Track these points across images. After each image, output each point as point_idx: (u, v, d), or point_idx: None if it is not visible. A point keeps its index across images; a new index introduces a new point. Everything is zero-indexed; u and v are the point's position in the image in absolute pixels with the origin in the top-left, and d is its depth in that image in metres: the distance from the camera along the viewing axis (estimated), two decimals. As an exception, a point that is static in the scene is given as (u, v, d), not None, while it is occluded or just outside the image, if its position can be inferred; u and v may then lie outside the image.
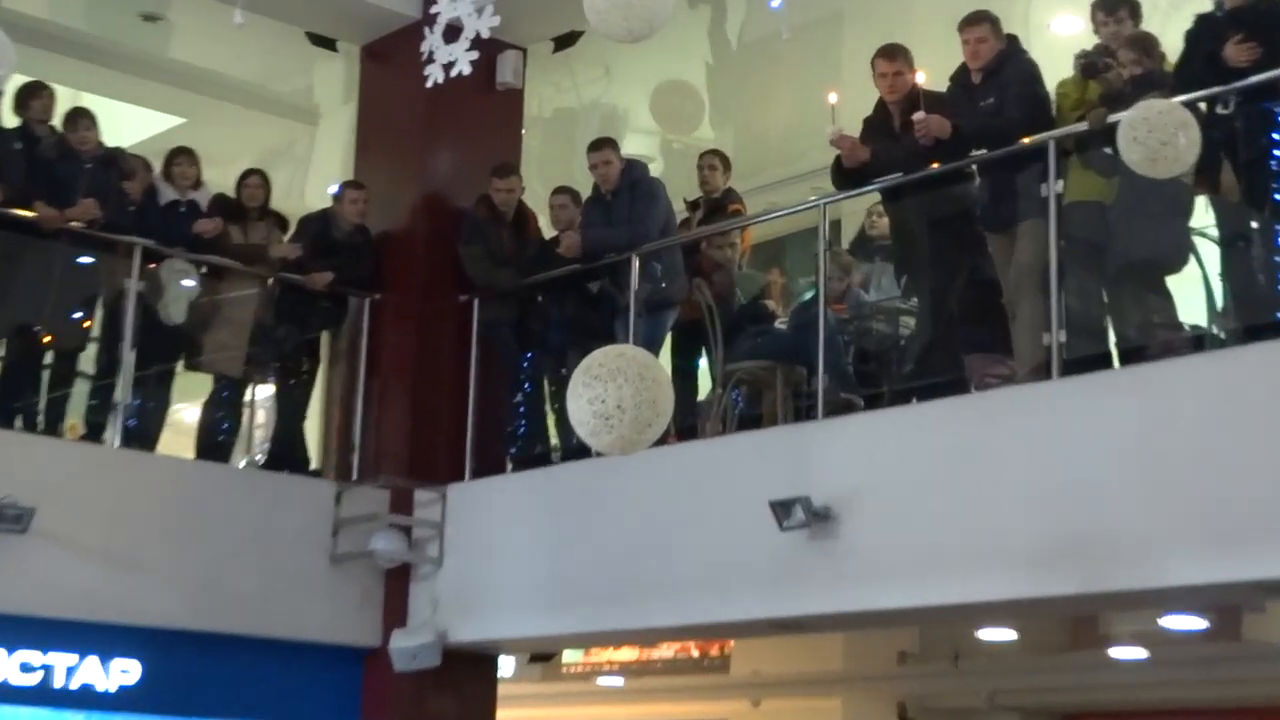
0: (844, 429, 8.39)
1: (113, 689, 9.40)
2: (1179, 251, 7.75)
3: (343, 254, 10.62)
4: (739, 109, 13.36)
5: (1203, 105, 7.33)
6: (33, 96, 9.90)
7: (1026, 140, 8.03)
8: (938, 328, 8.54)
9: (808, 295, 9.75)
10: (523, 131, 11.45)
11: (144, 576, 9.39)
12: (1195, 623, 11.35)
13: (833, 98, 8.57)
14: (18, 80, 9.82)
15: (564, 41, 11.46)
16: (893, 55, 8.65)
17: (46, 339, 9.87)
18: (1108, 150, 7.45)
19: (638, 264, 9.68)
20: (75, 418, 9.96)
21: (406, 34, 10.45)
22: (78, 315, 10.00)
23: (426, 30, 7.74)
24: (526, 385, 10.52)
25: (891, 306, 9.31)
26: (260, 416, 10.86)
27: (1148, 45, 7.86)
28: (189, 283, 10.26)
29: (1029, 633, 12.45)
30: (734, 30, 12.70)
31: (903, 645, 13.28)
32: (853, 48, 11.23)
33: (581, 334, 9.92)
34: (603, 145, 10.13)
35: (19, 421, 9.59)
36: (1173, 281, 7.73)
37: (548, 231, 10.73)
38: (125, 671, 9.45)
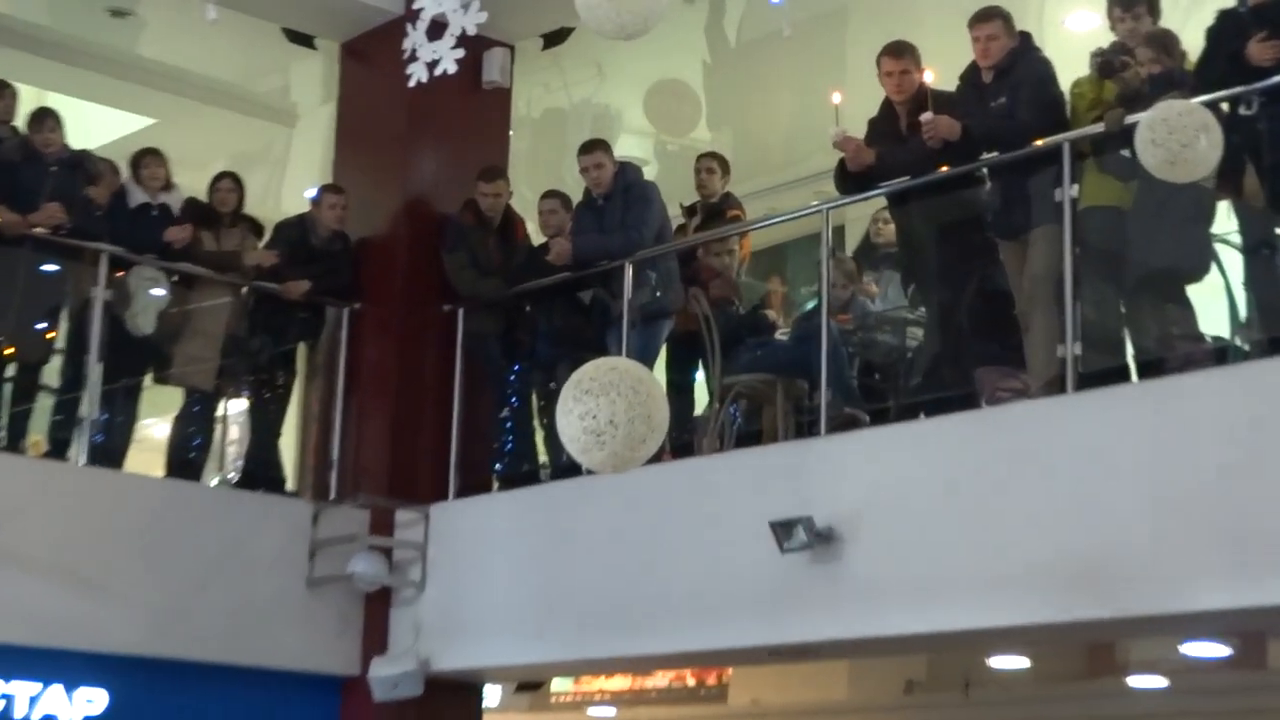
0: (848, 446, 8.39)
1: (77, 719, 9.37)
2: (1200, 259, 7.74)
3: (321, 262, 10.62)
4: (738, 109, 13.37)
5: (1225, 106, 7.34)
6: (-6, 96, 9.91)
7: (1040, 142, 8.03)
8: (947, 339, 8.54)
9: (810, 305, 9.75)
10: (510, 133, 11.45)
11: (111, 601, 9.36)
12: (1217, 650, 11.35)
13: (836, 98, 8.58)
14: (-22, 79, 9.83)
15: (554, 38, 11.47)
16: (899, 53, 8.65)
17: (8, 351, 9.85)
18: (1125, 153, 7.45)
19: (631, 272, 9.67)
20: (38, 434, 9.94)
21: (388, 31, 10.45)
22: (41, 326, 9.99)
23: (409, 27, 7.73)
24: (514, 400, 10.50)
25: (898, 317, 9.32)
26: (233, 433, 10.84)
27: (1167, 43, 7.87)
28: (159, 291, 10.25)
29: (1043, 660, 12.45)
30: (732, 27, 12.72)
31: (910, 674, 13.27)
32: (857, 45, 11.24)
33: (572, 346, 9.90)
34: (594, 147, 10.13)
35: (-21, 437, 9.58)
36: (1193, 291, 7.73)
37: (536, 238, 10.73)
38: (90, 701, 9.42)
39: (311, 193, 11.12)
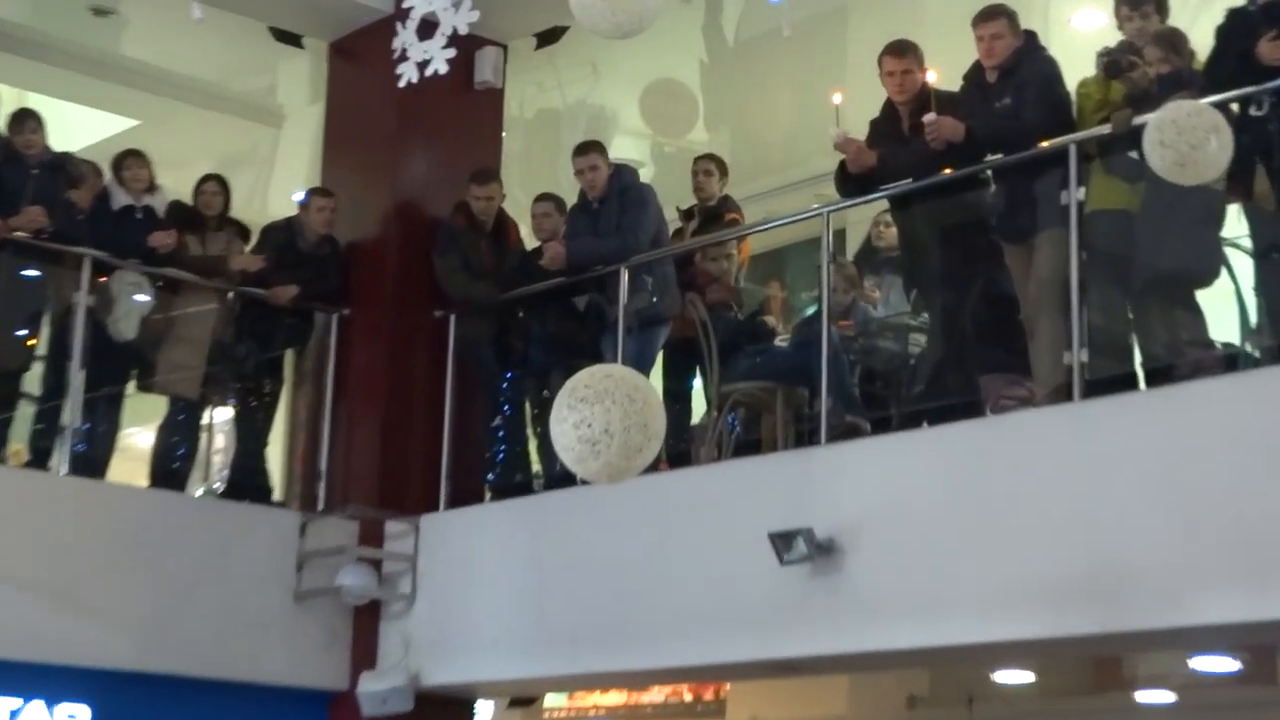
0: (849, 455, 8.39)
1: (59, 736, 9.39)
2: (1210, 264, 7.75)
3: (308, 266, 10.61)
4: (736, 110, 13.38)
5: (1235, 106, 7.35)
6: (-27, 97, 9.93)
7: (1045, 144, 8.04)
8: (950, 346, 8.54)
9: (810, 311, 9.75)
10: (503, 134, 11.46)
11: (93, 614, 9.36)
12: (1227, 664, 11.34)
13: (837, 98, 8.58)
14: (-43, 80, 9.84)
15: (547, 37, 11.47)
16: (901, 52, 8.66)
17: (-12, 358, 9.87)
18: (1133, 155, 7.46)
19: (627, 277, 9.68)
20: (19, 443, 9.93)
21: (377, 30, 10.46)
22: (22, 332, 9.98)
23: (399, 25, 7.73)
24: (506, 408, 10.51)
25: (900, 323, 9.32)
26: (219, 441, 10.83)
27: (1176, 42, 7.87)
28: (142, 297, 10.25)
29: (1048, 675, 12.44)
30: (731, 25, 12.73)
31: (912, 688, 13.25)
32: (858, 44, 11.26)
33: (566, 352, 9.90)
34: (589, 149, 10.14)
35: (-42, 447, 9.58)
36: (1203, 296, 7.73)
37: (529, 242, 10.73)
38: (73, 717, 9.41)
39: (299, 195, 11.12)
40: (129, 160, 10.38)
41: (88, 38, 12.54)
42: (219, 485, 10.64)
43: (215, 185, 10.64)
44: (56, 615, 9.23)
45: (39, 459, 9.76)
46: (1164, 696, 12.09)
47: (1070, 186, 7.85)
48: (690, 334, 9.76)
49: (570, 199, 10.36)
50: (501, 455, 10.47)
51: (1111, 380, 7.64)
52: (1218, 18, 7.76)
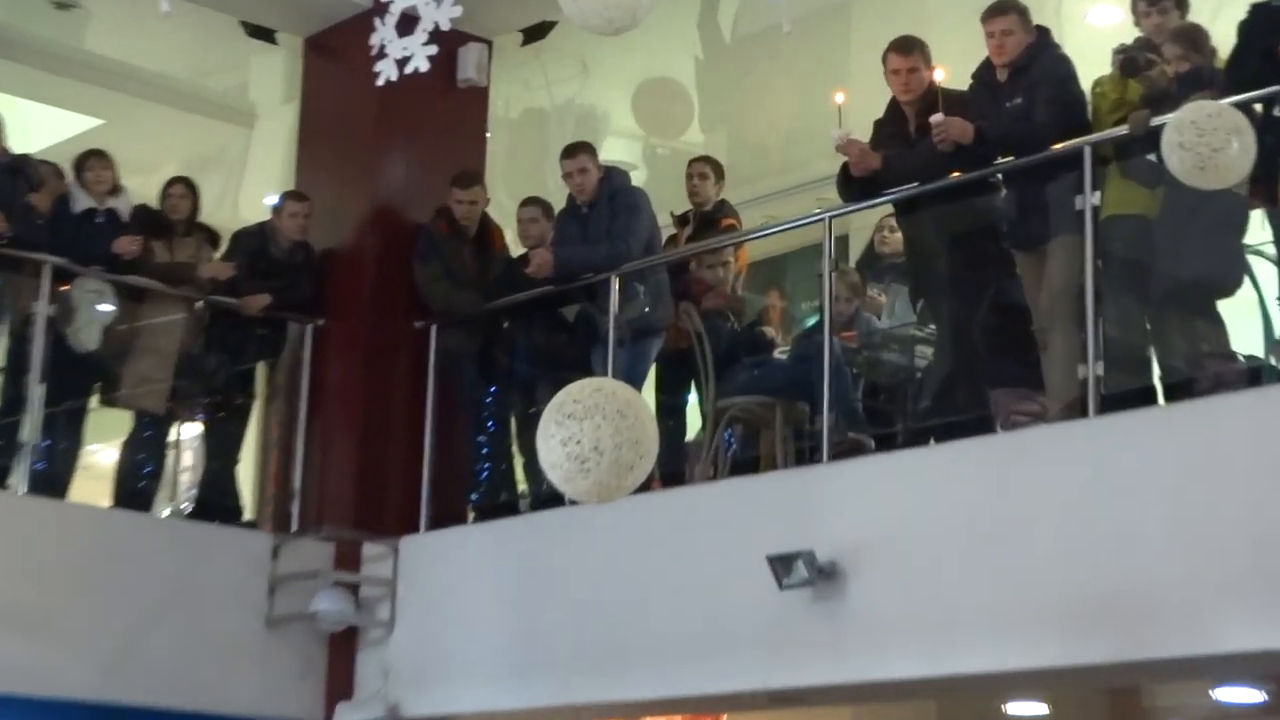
0: (852, 474, 8.39)
1: (16, 770, 9.37)
2: (1232, 272, 7.76)
3: (282, 274, 10.62)
4: (733, 110, 13.39)
5: (1258, 107, 7.36)
6: (-73, 95, 9.93)
7: (1059, 146, 8.05)
8: (959, 358, 8.55)
9: (811, 321, 9.75)
10: (487, 135, 11.47)
11: (54, 641, 9.34)
12: (1252, 695, 11.34)
13: (839, 97, 8.59)
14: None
15: (534, 33, 11.49)
16: (907, 49, 8.67)
17: (-58, 372, 9.87)
18: (1151, 158, 7.47)
19: (618, 286, 9.68)
20: (-25, 461, 9.93)
21: (355, 25, 10.45)
22: (-22, 344, 9.98)
23: (377, 21, 7.73)
24: (491, 424, 10.51)
25: (906, 334, 9.33)
26: (186, 459, 10.83)
27: (1196, 39, 7.89)
28: (105, 306, 10.24)
29: (1062, 707, 12.42)
30: (727, 21, 12.74)
31: (919, 720, 13.25)
32: (862, 41, 11.25)
33: (554, 365, 9.91)
34: (578, 151, 10.14)
35: (-89, 465, 9.57)
36: (1224, 306, 7.75)
37: (515, 249, 10.73)
38: (31, 750, 9.41)
39: (272, 199, 11.11)
40: (91, 161, 10.37)
41: (49, 32, 12.53)
42: (186, 505, 10.63)
43: (182, 188, 10.64)
44: (13, 643, 9.21)
45: (-4, 478, 9.76)
46: (1184, 729, 12.09)
47: (1085, 191, 7.87)
48: (685, 346, 9.76)
49: (558, 203, 10.36)
50: (485, 474, 10.47)
51: (1128, 395, 7.65)
52: (1240, 13, 7.78)
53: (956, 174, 8.46)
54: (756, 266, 11.19)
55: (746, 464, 9.40)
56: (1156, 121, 7.32)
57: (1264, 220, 7.69)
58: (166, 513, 10.56)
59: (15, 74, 12.67)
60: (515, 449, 10.37)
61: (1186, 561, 7.03)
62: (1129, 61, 8.03)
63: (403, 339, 10.58)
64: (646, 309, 9.86)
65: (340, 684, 10.22)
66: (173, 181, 10.70)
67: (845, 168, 8.78)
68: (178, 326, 10.50)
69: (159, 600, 9.71)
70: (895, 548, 7.94)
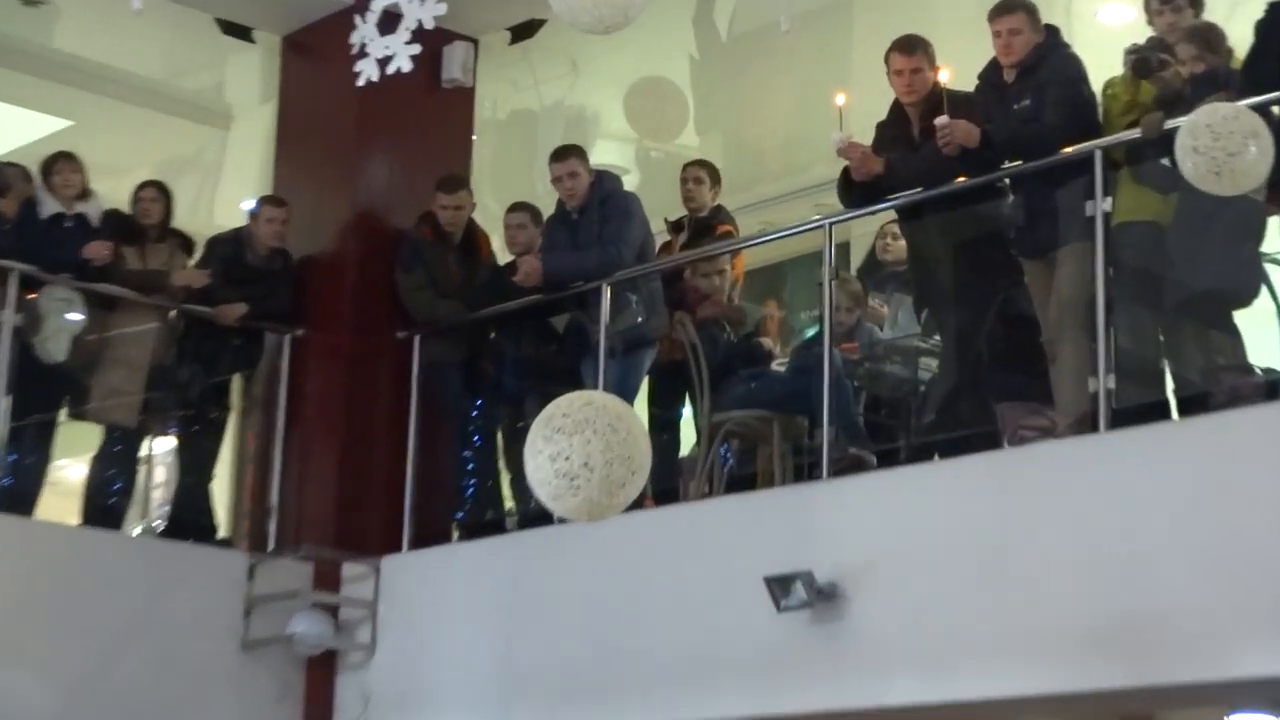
0: (853, 491, 8.40)
1: (-20, 800, 9.36)
2: (1249, 281, 7.78)
3: (259, 282, 10.61)
4: (729, 112, 13.39)
5: (1277, 109, 7.37)
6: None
7: (1069, 150, 8.07)
8: (964, 371, 8.56)
9: (810, 332, 9.76)
10: (473, 138, 11.47)
11: (20, 665, 9.33)
12: (1269, 722, 11.35)
13: (840, 99, 8.60)
14: None
15: (522, 32, 11.50)
16: (910, 49, 8.68)
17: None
18: (1164, 162, 7.49)
19: (609, 295, 9.69)
20: (-62, 476, 9.93)
21: (335, 23, 10.46)
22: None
23: (358, 18, 7.75)
24: (476, 439, 10.51)
25: (909, 345, 9.34)
26: (159, 475, 10.83)
27: (1211, 38, 7.90)
28: (74, 315, 10.24)
29: (1072, 734, 12.44)
30: (724, 19, 12.75)
31: (923, 748, 13.26)
32: (864, 40, 11.27)
33: (542, 377, 9.92)
34: (568, 154, 10.15)
35: None
36: (1241, 317, 7.76)
37: (502, 256, 10.74)
38: (-7, 780, 9.40)
39: (249, 204, 11.12)
40: (59, 164, 10.37)
41: (16, 29, 12.52)
42: (159, 523, 10.63)
43: (153, 191, 10.62)
44: (-22, 666, 9.23)
45: (-41, 495, 9.76)
46: (1200, 757, 12.09)
47: (1096, 197, 7.88)
48: (679, 357, 9.77)
49: (547, 209, 10.37)
50: (471, 491, 10.47)
51: (1141, 409, 7.66)
52: (1257, 12, 7.79)
53: (962, 179, 8.47)
54: (754, 275, 11.19)
55: (743, 481, 9.40)
56: (1170, 125, 7.34)
57: (1282, 227, 7.72)
58: (138, 531, 10.55)
59: (-20, 74, 12.70)
60: (502, 465, 10.37)
61: (1201, 583, 7.04)
62: (1141, 62, 8.04)
63: (385, 350, 10.59)
64: (639, 319, 9.86)
65: (319, 710, 10.21)
66: (144, 185, 10.69)
67: (846, 172, 8.79)
68: (150, 336, 10.49)
69: (129, 623, 9.69)
70: (898, 568, 7.94)
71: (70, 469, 10.69)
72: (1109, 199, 7.88)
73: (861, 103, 8.97)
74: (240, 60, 12.70)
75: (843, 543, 8.13)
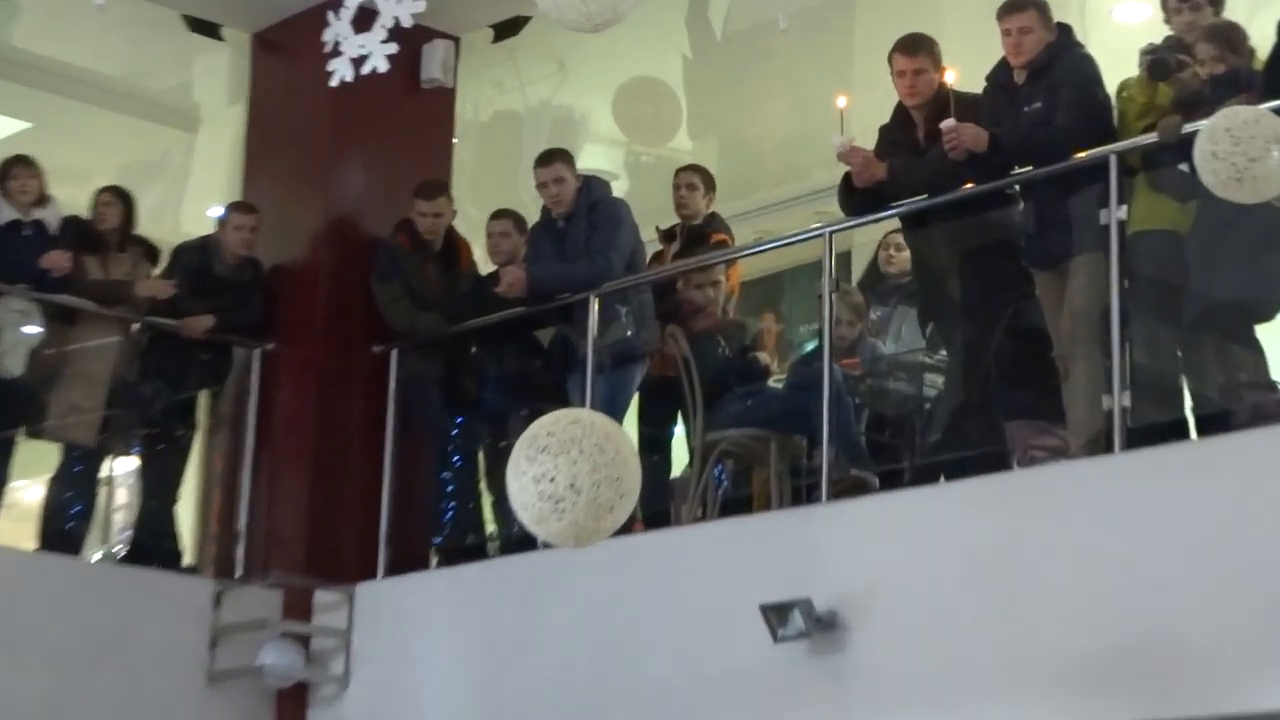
0: (854, 514, 8.40)
1: (-70, 841, 9.34)
2: (1271, 294, 7.80)
3: (227, 293, 10.61)
4: (725, 114, 13.42)
5: (1300, 113, 7.39)
6: None
7: (1082, 155, 8.08)
8: (971, 388, 8.57)
9: (809, 346, 9.76)
10: (454, 141, 11.48)
11: (-29, 698, 9.33)
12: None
13: (841, 101, 8.61)
14: None
15: (506, 30, 11.50)
16: (914, 49, 8.69)
17: None
18: (1182, 168, 7.49)
19: (597, 307, 9.70)
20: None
21: (307, 19, 10.44)
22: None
23: (331, 15, 7.74)
24: (457, 459, 10.51)
25: (914, 361, 9.34)
26: (120, 496, 10.82)
27: (1232, 38, 7.91)
28: (31, 328, 10.23)
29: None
30: (719, 16, 12.78)
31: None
32: (866, 39, 11.31)
33: (526, 394, 9.92)
34: (554, 159, 10.15)
35: None
36: (1263, 331, 7.76)
37: (484, 266, 10.74)
38: (-56, 821, 9.39)
39: (217, 211, 11.11)
40: (16, 168, 10.37)
41: (-29, 27, 12.56)
42: (120, 548, 10.62)
43: (109, 195, 10.59)
44: (-71, 699, 9.21)
45: (-90, 517, 9.76)
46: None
47: (1110, 204, 7.89)
48: (671, 373, 9.76)
49: (532, 216, 10.37)
50: (450, 514, 10.47)
51: (1157, 428, 7.67)
52: (1280, 11, 7.83)
53: (969, 185, 8.48)
54: (750, 286, 11.20)
55: (738, 504, 9.41)
56: (1188, 128, 7.34)
57: (1307, 237, 7.73)
58: (98, 556, 10.54)
59: (-67, 73, 12.69)
60: (483, 486, 10.38)
61: (1219, 612, 7.04)
62: (1158, 63, 8.04)
63: (360, 365, 10.58)
64: (629, 332, 9.86)
65: (289, 746, 10.22)
66: (101, 190, 10.68)
67: (847, 178, 8.80)
68: (111, 350, 10.49)
69: (88, 654, 9.67)
70: (901, 596, 7.94)
71: (27, 490, 10.67)
72: (1124, 207, 7.89)
73: (864, 105, 8.99)
74: (208, 59, 12.71)
75: (843, 569, 8.13)
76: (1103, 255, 7.91)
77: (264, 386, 10.68)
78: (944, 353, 9.01)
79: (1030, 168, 8.34)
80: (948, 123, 8.30)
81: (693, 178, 10.45)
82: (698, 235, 10.31)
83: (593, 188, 10.16)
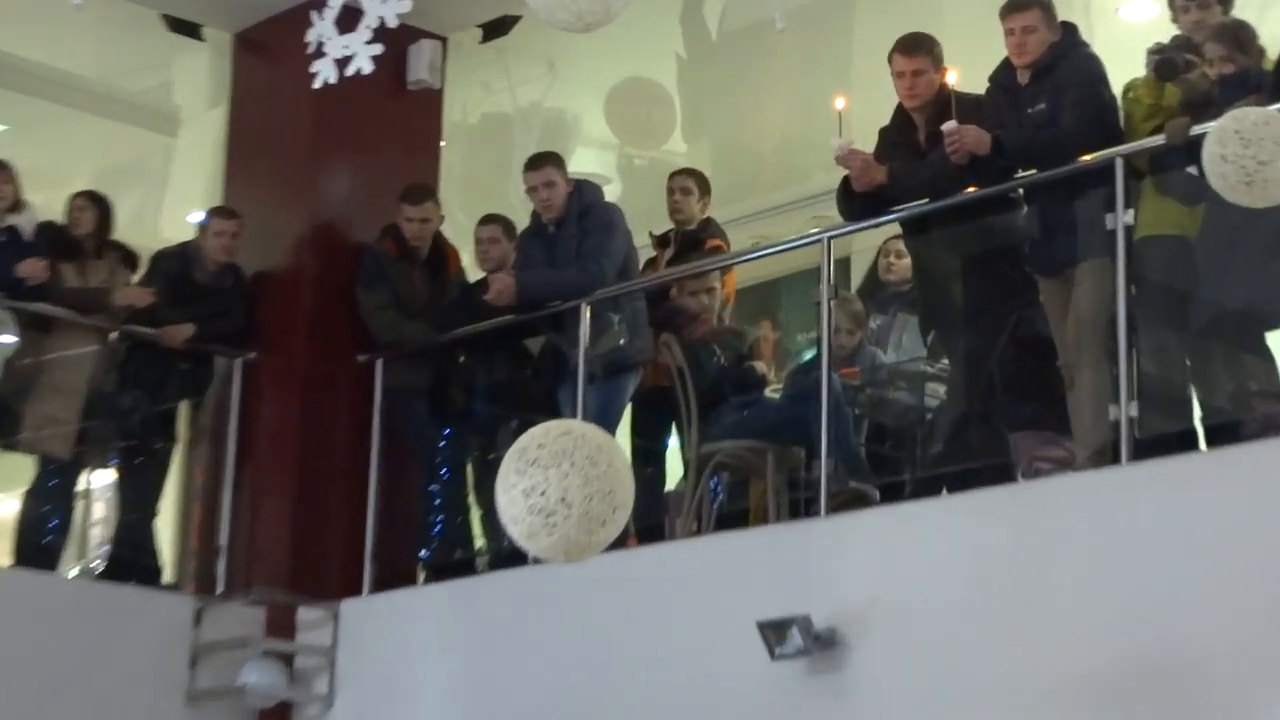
0: (854, 528, 8.41)
1: None
2: (1282, 301, 7.82)
3: (207, 301, 10.61)
4: (720, 117, 13.42)
5: (1311, 114, 7.40)
6: None
7: (1087, 158, 8.10)
8: (974, 398, 8.58)
9: (807, 355, 9.77)
10: (442, 144, 11.48)
11: (-56, 719, 9.33)
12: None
13: (840, 103, 8.62)
14: None
15: (495, 29, 11.51)
16: (914, 49, 8.70)
17: None
18: (1190, 171, 7.51)
19: (589, 315, 9.70)
20: None
21: (290, 19, 10.45)
22: None
23: (314, 15, 7.75)
24: (444, 471, 10.51)
25: (915, 370, 9.35)
26: (98, 511, 10.82)
27: (1241, 37, 7.93)
28: (6, 337, 10.23)
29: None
30: (714, 15, 12.78)
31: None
32: (866, 39, 11.32)
33: (516, 405, 9.92)
34: (544, 163, 10.16)
35: None
36: (1275, 339, 7.78)
37: (472, 273, 10.75)
38: (-86, 846, 9.38)
39: (197, 216, 11.11)
40: (-9, 173, 10.39)
41: (-58, 27, 12.55)
42: (97, 564, 10.62)
43: (83, 200, 10.58)
44: (-100, 720, 9.22)
45: (-120, 532, 9.76)
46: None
47: (1116, 208, 7.91)
48: (665, 383, 9.77)
49: (521, 221, 10.38)
50: (438, 528, 10.46)
51: (1166, 439, 7.67)
52: (1291, 9, 7.85)
53: (971, 189, 8.49)
54: (746, 293, 11.21)
55: (734, 517, 9.42)
56: (1196, 130, 7.35)
57: (1319, 242, 7.75)
58: (74, 572, 10.54)
59: (-97, 75, 12.70)
60: (472, 500, 10.37)
61: (1231, 627, 7.05)
62: (1166, 63, 8.06)
63: (344, 374, 10.58)
64: (621, 341, 9.87)
65: (272, 767, 10.22)
66: (75, 194, 10.67)
67: (846, 181, 8.80)
68: (88, 360, 10.48)
69: (65, 673, 9.67)
70: (902, 612, 7.95)
71: (1, 504, 10.67)
72: (1131, 211, 7.90)
73: (863, 106, 8.99)
74: (188, 60, 12.71)
75: (842, 585, 8.14)
76: (1109, 261, 7.92)
77: (245, 397, 10.68)
78: (946, 362, 9.02)
79: (1034, 171, 8.35)
80: (949, 125, 8.31)
81: (687, 182, 10.46)
82: (692, 241, 10.32)
83: (584, 192, 10.16)
